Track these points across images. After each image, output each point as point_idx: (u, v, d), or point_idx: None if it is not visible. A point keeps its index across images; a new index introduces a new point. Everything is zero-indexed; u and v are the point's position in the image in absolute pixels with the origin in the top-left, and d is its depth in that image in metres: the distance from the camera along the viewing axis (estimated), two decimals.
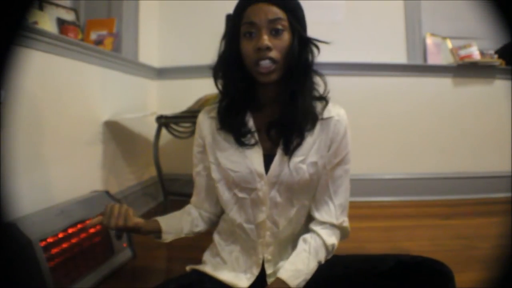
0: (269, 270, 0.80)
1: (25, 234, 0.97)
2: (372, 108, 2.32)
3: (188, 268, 0.86)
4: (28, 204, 1.12)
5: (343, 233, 0.83)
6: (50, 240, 1.04)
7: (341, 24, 2.35)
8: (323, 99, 0.80)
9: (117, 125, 1.77)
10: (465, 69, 2.32)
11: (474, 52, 2.30)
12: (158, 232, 0.81)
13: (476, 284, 0.98)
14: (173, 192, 1.89)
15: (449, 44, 2.41)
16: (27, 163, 1.17)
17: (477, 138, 2.33)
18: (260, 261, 0.80)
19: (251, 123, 0.79)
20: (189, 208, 0.90)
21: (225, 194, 0.81)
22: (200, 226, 0.88)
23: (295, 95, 0.74)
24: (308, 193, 0.79)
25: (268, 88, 0.77)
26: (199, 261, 0.89)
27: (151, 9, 2.29)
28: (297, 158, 0.75)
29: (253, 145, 0.77)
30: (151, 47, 2.30)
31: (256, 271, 0.80)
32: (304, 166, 0.76)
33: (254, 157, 0.77)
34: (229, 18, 0.82)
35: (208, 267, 0.83)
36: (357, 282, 0.74)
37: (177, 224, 0.84)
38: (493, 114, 2.31)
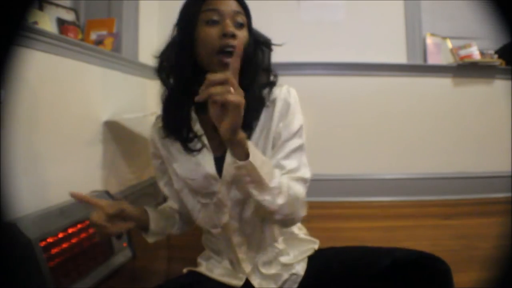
0: (247, 269, 0.80)
1: (25, 234, 0.97)
2: (372, 108, 2.32)
3: (185, 270, 0.87)
4: (28, 204, 1.12)
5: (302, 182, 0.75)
6: (50, 240, 1.04)
7: (341, 24, 2.34)
8: (270, 84, 0.77)
9: (117, 125, 1.77)
10: (465, 69, 2.32)
11: (474, 52, 2.30)
12: (145, 229, 0.81)
13: (476, 284, 0.98)
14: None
15: (449, 44, 2.41)
16: (27, 163, 1.17)
17: (477, 138, 2.33)
18: (235, 260, 0.81)
19: (197, 126, 0.77)
20: (172, 210, 0.90)
21: (189, 202, 0.82)
22: (179, 230, 0.90)
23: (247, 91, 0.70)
24: None
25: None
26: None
27: (151, 9, 2.29)
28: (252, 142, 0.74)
29: (200, 150, 0.75)
30: (151, 47, 2.29)
31: (245, 269, 0.80)
32: (259, 149, 0.74)
33: (206, 162, 0.75)
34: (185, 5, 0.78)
35: (204, 268, 0.84)
36: (354, 277, 0.74)
37: (163, 225, 0.85)
38: (493, 114, 2.31)
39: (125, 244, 1.35)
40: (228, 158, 0.72)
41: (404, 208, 2.12)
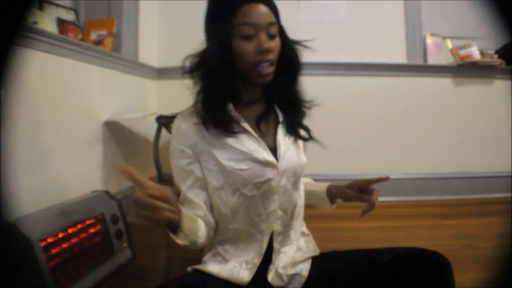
0: (276, 260, 0.80)
1: (25, 234, 0.97)
2: (372, 108, 2.32)
3: (189, 268, 0.86)
4: (28, 204, 1.12)
5: None
6: (50, 240, 1.04)
7: (341, 24, 2.34)
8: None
9: (117, 125, 1.77)
10: (465, 69, 2.32)
11: (474, 52, 2.30)
12: (174, 228, 0.67)
13: (476, 284, 0.98)
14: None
15: (449, 44, 2.41)
16: (27, 163, 1.17)
17: (477, 138, 2.33)
18: (263, 251, 0.80)
19: (241, 119, 0.78)
20: (202, 223, 0.77)
21: (229, 200, 0.77)
22: (202, 239, 0.76)
23: (292, 93, 0.82)
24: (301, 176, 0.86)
25: (256, 88, 0.81)
26: (199, 261, 0.89)
27: (151, 9, 2.29)
28: (295, 144, 0.82)
29: (240, 132, 0.77)
30: (151, 47, 2.30)
31: (257, 261, 0.79)
32: (301, 150, 0.84)
33: (260, 149, 0.76)
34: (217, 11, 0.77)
35: (209, 266, 0.82)
36: (356, 277, 0.74)
37: (193, 229, 0.72)
38: (493, 114, 2.31)
39: (125, 244, 1.35)
40: (283, 147, 0.79)
41: (404, 208, 2.12)
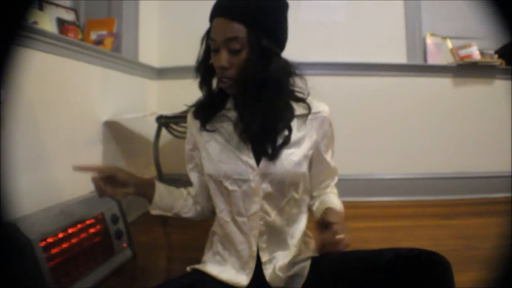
0: (264, 258, 0.81)
1: (25, 234, 0.97)
2: (372, 108, 2.32)
3: (188, 268, 0.86)
4: (28, 204, 1.12)
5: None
6: (50, 240, 1.04)
7: (341, 24, 2.34)
8: (301, 100, 0.83)
9: (117, 125, 1.77)
10: (465, 69, 2.32)
11: (474, 52, 2.30)
12: (148, 199, 0.86)
13: (476, 284, 0.98)
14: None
15: (449, 44, 2.41)
16: (27, 163, 1.17)
17: (477, 138, 2.33)
18: (255, 254, 0.81)
19: (234, 118, 0.82)
20: (187, 194, 0.93)
21: (216, 190, 0.83)
22: (189, 214, 0.92)
23: (253, 105, 0.74)
24: (298, 185, 0.83)
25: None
26: (199, 261, 0.89)
27: (151, 9, 2.29)
28: (288, 151, 0.79)
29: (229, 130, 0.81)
30: (151, 47, 2.30)
31: (252, 264, 0.80)
32: (296, 159, 0.80)
33: (245, 151, 0.79)
34: None
35: (209, 267, 0.83)
36: (357, 277, 0.74)
37: (170, 203, 0.88)
38: (493, 114, 2.31)
39: (125, 244, 1.35)
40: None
41: (404, 208, 2.12)
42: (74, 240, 1.13)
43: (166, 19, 2.39)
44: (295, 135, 0.80)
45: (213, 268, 0.82)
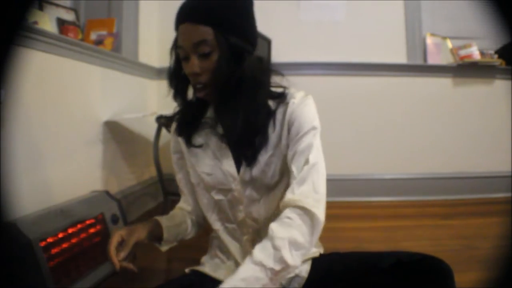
0: None
1: (25, 234, 0.97)
2: (372, 108, 2.32)
3: (187, 270, 0.86)
4: (28, 204, 1.12)
5: (311, 220, 0.65)
6: (50, 240, 1.04)
7: (341, 24, 2.34)
8: (280, 95, 0.75)
9: (117, 125, 1.77)
10: (465, 69, 2.32)
11: (474, 52, 2.30)
12: (159, 240, 0.83)
13: (476, 284, 0.98)
14: (173, 192, 1.89)
15: (449, 44, 2.41)
16: (27, 163, 1.17)
17: (477, 138, 2.33)
18: None
19: (219, 128, 0.77)
20: (184, 214, 0.89)
21: (203, 198, 0.83)
22: (191, 234, 0.90)
23: (232, 108, 0.70)
24: (284, 187, 0.76)
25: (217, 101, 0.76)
26: (199, 261, 0.89)
27: (151, 9, 2.29)
28: (266, 154, 0.74)
29: (197, 146, 0.79)
30: (151, 47, 2.30)
31: None
32: (275, 159, 0.74)
33: (225, 159, 0.77)
34: None
35: (207, 268, 0.83)
36: (357, 280, 0.74)
37: (175, 232, 0.85)
38: (493, 114, 2.31)
39: None
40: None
41: (404, 208, 2.12)
42: (74, 240, 1.13)
43: (166, 19, 2.39)
44: (272, 136, 0.74)
45: (211, 269, 0.83)
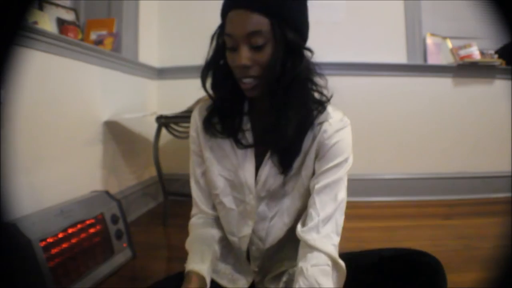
0: (257, 279, 0.81)
1: (25, 234, 0.97)
2: (372, 108, 2.32)
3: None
4: (28, 204, 1.12)
5: (342, 276, 0.65)
6: (50, 240, 1.04)
7: (341, 24, 2.34)
8: (321, 103, 0.71)
9: (117, 125, 1.77)
10: (465, 69, 2.32)
11: (474, 52, 2.30)
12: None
13: (476, 284, 0.98)
14: (173, 192, 1.89)
15: (449, 44, 2.41)
16: (27, 163, 1.17)
17: (477, 138, 2.33)
18: (252, 271, 0.80)
19: (248, 125, 0.72)
20: (210, 235, 0.78)
21: (215, 200, 0.78)
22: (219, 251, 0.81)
23: (284, 109, 0.64)
24: (303, 210, 0.71)
25: (259, 100, 0.69)
26: None
27: (151, 9, 2.29)
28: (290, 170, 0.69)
29: (247, 146, 0.70)
30: (151, 47, 2.30)
31: (250, 279, 0.80)
32: (299, 179, 0.70)
33: (246, 166, 0.71)
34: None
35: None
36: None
37: (213, 268, 0.76)
38: (493, 114, 2.31)
39: (125, 244, 1.35)
40: (267, 169, 0.69)
41: (404, 208, 2.12)
42: (74, 240, 1.13)
43: (166, 19, 2.39)
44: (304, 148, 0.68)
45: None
